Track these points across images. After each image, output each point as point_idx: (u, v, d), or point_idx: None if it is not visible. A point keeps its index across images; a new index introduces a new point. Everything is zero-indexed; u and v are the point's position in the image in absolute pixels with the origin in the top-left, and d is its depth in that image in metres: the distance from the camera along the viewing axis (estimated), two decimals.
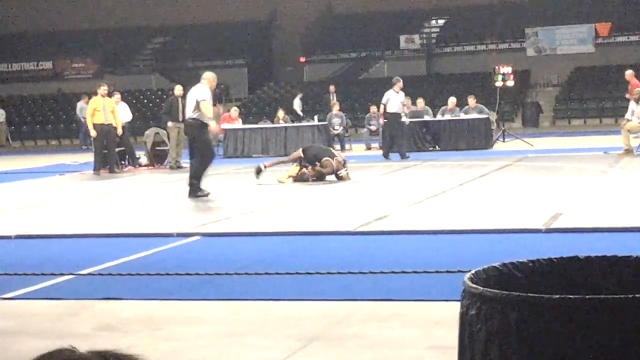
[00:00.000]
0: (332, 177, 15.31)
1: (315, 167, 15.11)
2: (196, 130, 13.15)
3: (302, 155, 15.41)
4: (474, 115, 22.75)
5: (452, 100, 23.71)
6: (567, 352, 2.32)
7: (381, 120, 21.20)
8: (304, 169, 15.19)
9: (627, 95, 21.59)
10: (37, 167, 22.13)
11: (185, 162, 20.00)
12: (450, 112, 23.39)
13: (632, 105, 18.74)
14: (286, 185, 14.69)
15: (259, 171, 15.33)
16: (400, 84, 20.38)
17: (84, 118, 23.63)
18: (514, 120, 33.65)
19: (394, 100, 20.08)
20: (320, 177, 15.21)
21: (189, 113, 13.22)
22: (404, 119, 21.01)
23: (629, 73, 22.57)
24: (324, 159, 15.08)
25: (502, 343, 2.41)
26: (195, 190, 13.00)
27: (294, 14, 41.41)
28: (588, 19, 37.42)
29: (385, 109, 20.10)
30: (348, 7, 41.08)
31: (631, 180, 13.30)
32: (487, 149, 21.82)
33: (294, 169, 15.36)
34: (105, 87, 19.60)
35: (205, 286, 7.04)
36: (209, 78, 13.37)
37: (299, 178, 15.10)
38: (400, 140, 20.03)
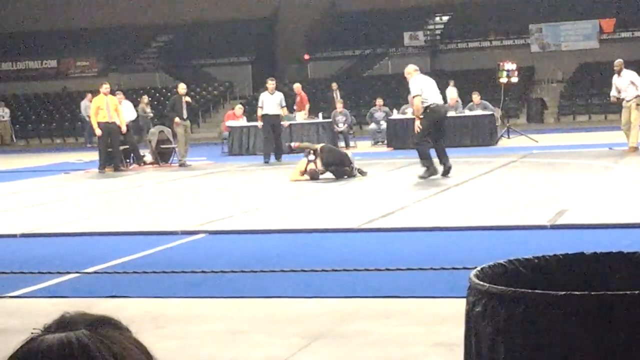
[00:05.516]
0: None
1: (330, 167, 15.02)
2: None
3: (318, 151, 15.11)
4: (479, 112, 22.72)
5: (451, 97, 23.67)
6: (573, 349, 2.31)
7: (285, 123, 21.09)
8: (312, 163, 14.96)
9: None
10: (42, 165, 22.14)
11: (190, 161, 20.02)
12: (452, 108, 23.33)
13: (614, 79, 18.19)
14: (295, 183, 14.61)
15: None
16: (272, 84, 20.42)
17: (88, 116, 23.67)
18: (518, 116, 33.59)
19: (268, 102, 20.12)
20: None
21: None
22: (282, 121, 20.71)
23: (296, 86, 24.15)
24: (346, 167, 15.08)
25: (508, 340, 2.40)
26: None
27: (298, 11, 41.37)
28: (592, 14, 37.35)
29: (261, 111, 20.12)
30: (352, 4, 41.03)
31: (636, 176, 13.27)
32: (491, 145, 21.79)
33: (302, 163, 15.16)
34: (108, 86, 19.57)
35: (209, 284, 7.04)
36: None
37: (310, 175, 14.85)
38: (270, 143, 19.78)
